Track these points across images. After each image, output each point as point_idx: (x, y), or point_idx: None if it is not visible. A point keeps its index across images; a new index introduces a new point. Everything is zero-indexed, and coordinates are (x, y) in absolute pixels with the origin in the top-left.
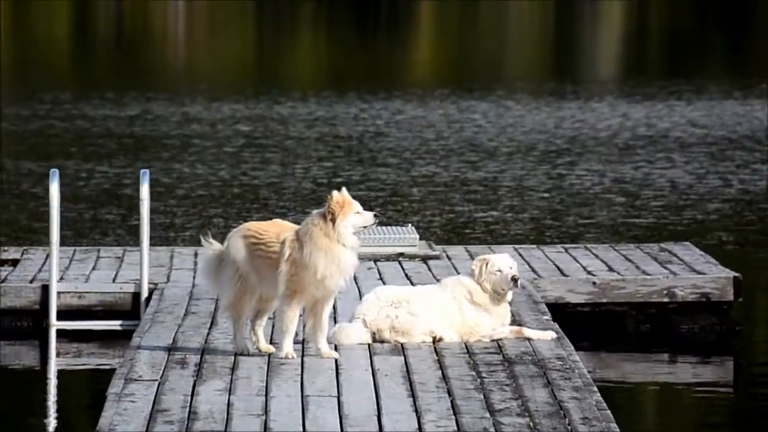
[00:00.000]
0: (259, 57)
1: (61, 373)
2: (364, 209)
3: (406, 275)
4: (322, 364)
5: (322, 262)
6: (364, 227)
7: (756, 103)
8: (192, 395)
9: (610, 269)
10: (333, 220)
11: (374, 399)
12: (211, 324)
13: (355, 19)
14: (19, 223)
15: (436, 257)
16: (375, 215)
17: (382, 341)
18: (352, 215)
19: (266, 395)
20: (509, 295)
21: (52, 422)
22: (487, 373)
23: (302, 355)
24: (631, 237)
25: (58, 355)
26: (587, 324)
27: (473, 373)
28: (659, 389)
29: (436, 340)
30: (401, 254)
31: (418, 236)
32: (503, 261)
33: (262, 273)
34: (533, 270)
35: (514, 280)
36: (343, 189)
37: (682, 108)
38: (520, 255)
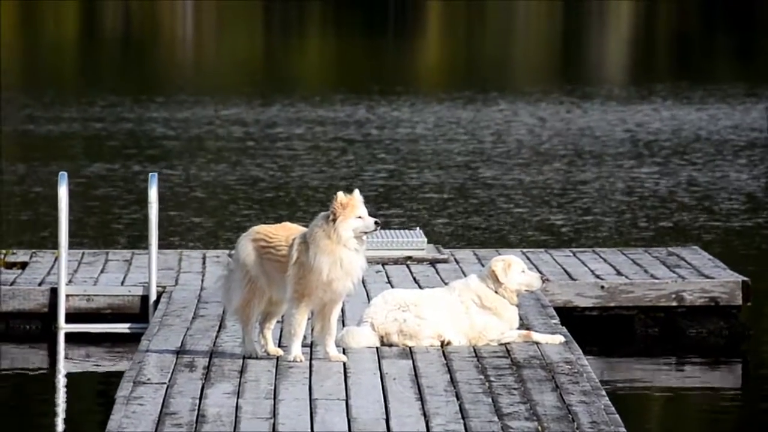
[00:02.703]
0: (269, 58)
1: (69, 376)
2: (369, 214)
3: (414, 279)
4: (330, 367)
5: (326, 265)
6: (365, 233)
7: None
8: (200, 398)
9: (619, 273)
10: (334, 221)
11: (382, 402)
12: (220, 327)
13: (362, 19)
14: (28, 226)
15: (444, 260)
16: (376, 222)
17: (390, 345)
18: (353, 218)
19: (274, 398)
20: (516, 298)
21: (60, 425)
22: (495, 376)
23: (310, 359)
24: (639, 240)
25: (66, 358)
26: (595, 328)
27: (481, 376)
28: (667, 393)
29: (444, 344)
30: (409, 257)
31: (426, 239)
32: (521, 261)
33: (272, 276)
34: (541, 274)
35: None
36: (356, 191)
37: (688, 110)
38: (528, 258)
